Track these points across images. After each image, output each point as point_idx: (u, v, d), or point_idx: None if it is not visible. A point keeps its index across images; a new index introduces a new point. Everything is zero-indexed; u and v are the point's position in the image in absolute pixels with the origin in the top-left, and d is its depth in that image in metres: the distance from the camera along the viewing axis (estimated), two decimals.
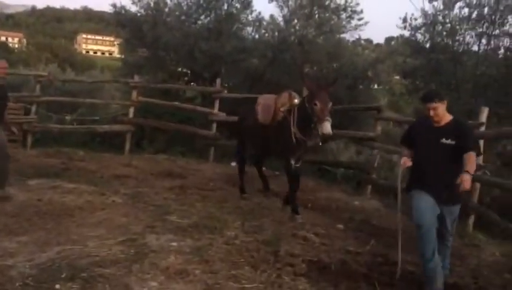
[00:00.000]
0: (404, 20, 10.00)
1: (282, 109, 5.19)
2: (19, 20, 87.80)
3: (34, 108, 8.90)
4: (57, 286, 2.94)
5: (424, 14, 9.74)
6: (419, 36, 10.17)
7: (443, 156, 3.31)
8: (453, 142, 3.27)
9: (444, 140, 3.29)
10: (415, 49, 10.22)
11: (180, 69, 13.21)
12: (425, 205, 3.33)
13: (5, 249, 3.54)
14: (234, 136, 7.66)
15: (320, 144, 5.00)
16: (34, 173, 6.20)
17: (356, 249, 4.21)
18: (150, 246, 3.86)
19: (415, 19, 9.94)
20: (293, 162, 5.09)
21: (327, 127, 4.42)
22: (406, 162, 3.50)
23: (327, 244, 4.31)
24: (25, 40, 59.86)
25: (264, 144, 5.59)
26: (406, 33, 10.38)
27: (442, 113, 3.36)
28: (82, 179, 6.13)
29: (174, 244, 3.98)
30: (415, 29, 10.04)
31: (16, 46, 57.00)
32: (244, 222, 4.76)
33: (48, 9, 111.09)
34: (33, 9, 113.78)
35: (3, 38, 61.40)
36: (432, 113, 3.36)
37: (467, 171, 3.04)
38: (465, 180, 2.98)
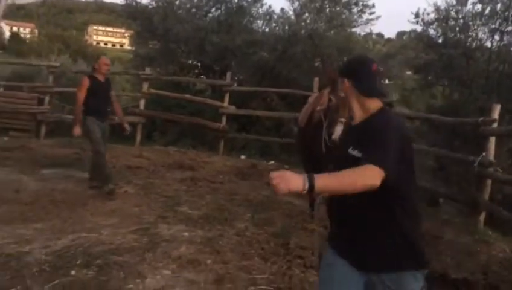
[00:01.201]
0: (417, 15, 9.94)
1: (318, 108, 4.15)
2: (30, 11, 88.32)
3: (47, 98, 9.01)
4: (73, 272, 3.01)
5: (437, 9, 9.69)
6: (431, 31, 10.11)
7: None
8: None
9: (351, 150, 1.76)
10: (428, 44, 10.16)
11: (190, 61, 13.27)
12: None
13: (22, 236, 3.62)
14: None
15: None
16: (48, 163, 6.30)
17: None
18: (162, 235, 3.93)
19: (428, 14, 9.88)
20: None
21: (337, 131, 3.34)
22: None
23: None
24: (36, 31, 60.32)
25: (304, 155, 4.62)
26: (418, 28, 10.33)
27: (351, 101, 1.87)
28: None
29: (186, 234, 4.04)
30: (428, 24, 9.98)
31: (28, 36, 57.47)
32: (254, 214, 4.80)
33: (59, 0, 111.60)
34: (44, 0, 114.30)
35: (15, 29, 61.82)
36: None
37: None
38: (276, 177, 1.53)
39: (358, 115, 1.85)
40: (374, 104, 1.83)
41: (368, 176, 1.57)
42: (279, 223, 4.59)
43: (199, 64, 13.08)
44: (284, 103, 10.64)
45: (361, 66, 1.91)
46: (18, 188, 4.96)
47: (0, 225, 3.84)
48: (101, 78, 5.35)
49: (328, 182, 1.57)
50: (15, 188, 4.96)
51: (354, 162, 1.64)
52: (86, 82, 5.23)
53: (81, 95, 5.19)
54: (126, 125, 5.67)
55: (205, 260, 3.48)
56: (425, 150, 7.01)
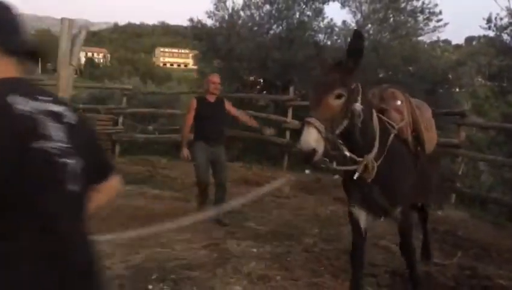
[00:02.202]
0: (489, 20, 9.41)
1: None
2: (102, 37, 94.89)
3: (121, 119, 9.57)
4: (150, 287, 3.16)
5: (510, 13, 9.12)
6: (505, 36, 9.52)
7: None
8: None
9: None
10: (501, 50, 9.57)
11: (252, 78, 13.51)
12: None
13: (102, 250, 3.85)
14: None
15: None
16: (122, 180, 6.66)
17: (442, 261, 4.03)
18: (232, 251, 4.00)
19: (501, 19, 9.33)
20: (354, 209, 3.04)
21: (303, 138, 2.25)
22: None
23: None
24: (108, 55, 64.54)
25: None
26: (491, 33, 9.77)
27: None
28: (165, 185, 6.50)
29: (254, 250, 4.09)
30: (501, 29, 9.41)
31: (101, 61, 61.63)
32: (322, 229, 4.75)
33: (129, 26, 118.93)
34: (115, 26, 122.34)
35: (89, 54, 66.55)
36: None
37: None
38: None
39: None
40: None
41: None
42: (348, 239, 4.50)
43: (261, 81, 13.28)
44: None
45: None
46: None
47: None
48: (210, 98, 5.01)
49: None
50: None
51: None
52: (193, 104, 4.98)
53: (188, 117, 4.96)
54: (264, 128, 5.48)
55: (275, 276, 3.49)
56: (501, 161, 6.59)
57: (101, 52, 70.68)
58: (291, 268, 3.68)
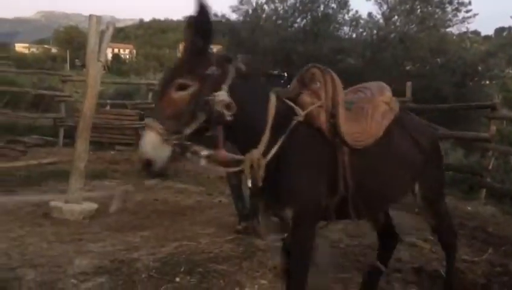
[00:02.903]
0: None
1: None
2: (128, 33, 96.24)
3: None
4: (177, 279, 3.20)
5: None
6: None
7: None
8: None
9: None
10: None
11: (276, 72, 13.49)
12: None
13: (130, 243, 3.93)
14: None
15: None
16: (150, 175, 6.78)
17: (471, 258, 3.94)
18: (257, 245, 4.01)
19: None
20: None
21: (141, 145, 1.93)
22: None
23: (438, 251, 4.09)
24: (134, 51, 65.48)
25: None
26: None
27: None
28: (191, 180, 6.58)
29: (279, 244, 4.08)
30: None
31: (127, 57, 62.59)
32: (347, 225, 4.71)
33: (154, 22, 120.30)
34: (141, 22, 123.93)
35: (116, 50, 67.60)
36: None
37: None
38: None
39: None
40: None
41: None
42: (374, 235, 4.45)
43: (285, 74, 13.23)
44: None
45: None
46: (125, 198, 5.40)
47: (112, 232, 4.21)
48: None
49: None
50: (122, 198, 5.40)
51: None
52: None
53: None
54: None
55: None
56: None
57: (127, 48, 71.71)
58: (317, 263, 3.67)
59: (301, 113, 2.18)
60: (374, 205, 2.57)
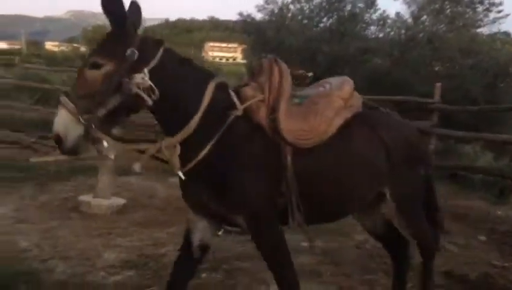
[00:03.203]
0: None
1: None
2: (154, 32, 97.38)
3: None
4: (203, 275, 3.23)
5: None
6: None
7: None
8: None
9: None
10: None
11: (302, 72, 13.42)
12: None
13: (158, 238, 3.99)
14: None
15: None
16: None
17: (502, 263, 3.85)
18: None
19: None
20: (189, 216, 2.44)
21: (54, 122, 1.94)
22: None
23: (467, 255, 4.01)
24: None
25: None
26: None
27: None
28: None
29: (305, 244, 4.06)
30: None
31: None
32: None
33: (179, 21, 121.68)
34: (166, 22, 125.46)
35: None
36: None
37: None
38: None
39: None
40: None
41: None
42: None
43: (311, 75, 13.16)
44: (398, 111, 10.16)
45: None
46: (151, 195, 5.48)
47: (139, 228, 4.28)
48: None
49: None
50: (149, 194, 5.49)
51: None
52: None
53: None
54: None
55: (326, 271, 3.47)
56: None
57: None
58: (343, 264, 3.65)
59: (240, 107, 2.05)
60: (324, 212, 2.32)
